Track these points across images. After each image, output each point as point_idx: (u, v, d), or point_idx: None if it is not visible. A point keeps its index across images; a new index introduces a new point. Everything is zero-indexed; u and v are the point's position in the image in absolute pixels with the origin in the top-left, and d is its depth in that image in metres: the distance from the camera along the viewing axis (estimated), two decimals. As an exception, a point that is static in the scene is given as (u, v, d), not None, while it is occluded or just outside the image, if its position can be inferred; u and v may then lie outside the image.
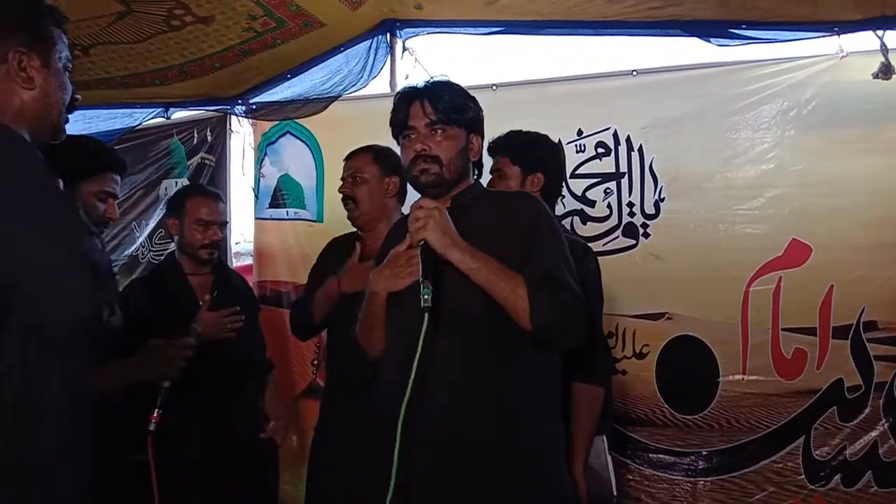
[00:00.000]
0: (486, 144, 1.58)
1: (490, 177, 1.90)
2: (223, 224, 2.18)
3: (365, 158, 2.11)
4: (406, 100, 1.46)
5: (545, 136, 1.97)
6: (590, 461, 1.70)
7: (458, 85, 1.50)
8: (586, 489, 1.65)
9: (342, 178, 2.14)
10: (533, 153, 1.90)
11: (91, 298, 1.06)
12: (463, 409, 1.31)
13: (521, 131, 1.94)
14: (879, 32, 2.16)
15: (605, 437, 1.79)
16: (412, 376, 1.26)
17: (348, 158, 2.16)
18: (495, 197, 1.56)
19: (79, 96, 1.25)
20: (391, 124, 1.50)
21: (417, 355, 1.27)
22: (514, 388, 1.35)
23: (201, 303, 1.99)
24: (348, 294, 1.99)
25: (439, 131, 1.42)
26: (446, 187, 1.44)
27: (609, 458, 1.80)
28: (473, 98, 1.50)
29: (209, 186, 2.56)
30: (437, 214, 1.33)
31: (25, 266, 1.02)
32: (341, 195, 2.12)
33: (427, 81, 1.49)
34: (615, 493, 1.82)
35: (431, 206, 1.35)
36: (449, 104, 1.43)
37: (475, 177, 1.53)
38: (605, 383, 1.76)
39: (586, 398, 1.68)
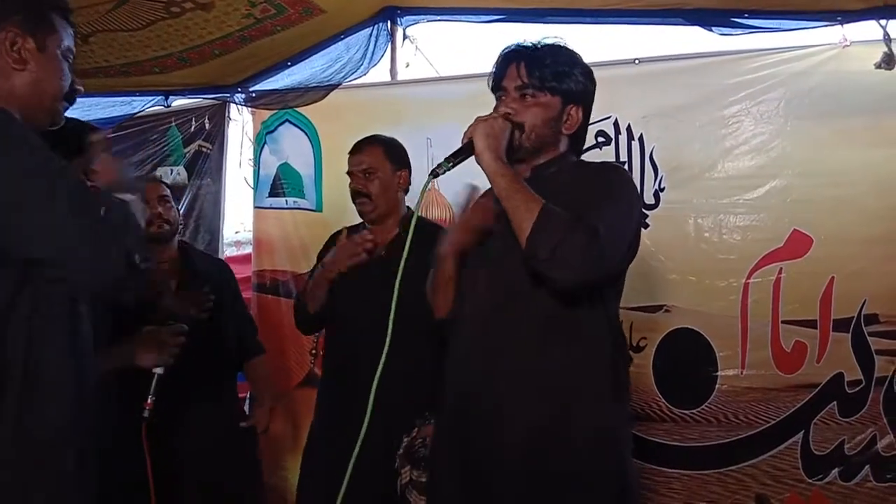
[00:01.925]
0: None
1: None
2: (162, 197, 2.26)
3: (376, 152, 2.12)
4: (506, 59, 1.46)
5: None
6: None
7: (569, 50, 1.46)
8: None
9: (351, 173, 2.13)
10: None
11: (107, 253, 1.09)
12: (517, 395, 1.36)
13: None
14: (882, 22, 2.19)
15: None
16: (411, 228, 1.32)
17: (356, 152, 2.15)
18: (580, 169, 1.50)
19: (80, 87, 1.29)
20: (489, 82, 1.50)
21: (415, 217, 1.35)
22: (574, 368, 1.37)
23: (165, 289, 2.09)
24: (345, 286, 2.05)
25: (529, 97, 1.42)
26: (524, 153, 1.43)
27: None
28: (583, 67, 1.46)
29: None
30: (497, 122, 1.37)
31: (26, 233, 1.06)
32: (353, 190, 2.12)
33: (536, 43, 1.46)
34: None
35: (496, 115, 1.39)
36: (547, 70, 1.41)
37: (571, 149, 1.51)
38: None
39: None
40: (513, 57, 1.45)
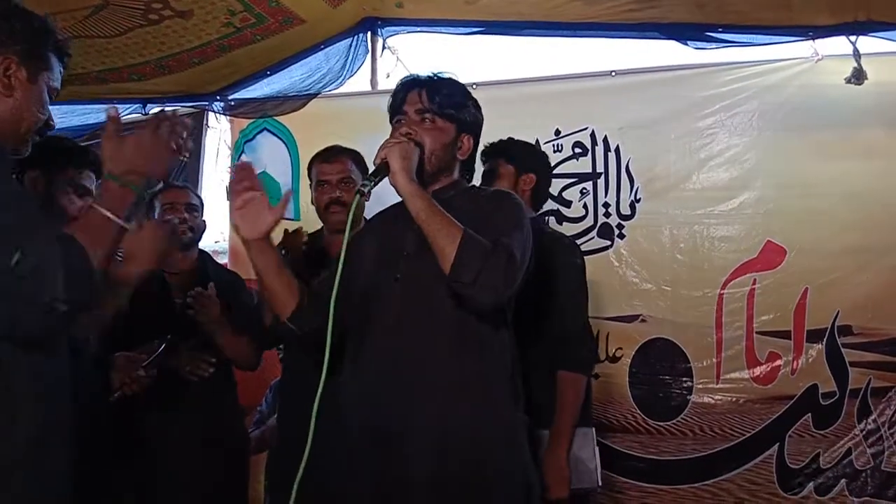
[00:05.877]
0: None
1: (480, 181, 2.01)
2: (189, 205, 2.30)
3: (348, 163, 2.18)
4: (405, 87, 1.57)
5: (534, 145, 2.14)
6: (577, 451, 1.82)
7: (462, 85, 1.59)
8: (570, 478, 1.77)
9: (326, 182, 2.16)
10: (526, 154, 2.10)
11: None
12: (434, 400, 1.42)
13: (512, 138, 2.12)
14: (852, 38, 2.28)
15: (594, 429, 1.92)
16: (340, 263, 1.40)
17: (326, 161, 2.20)
18: (475, 194, 1.63)
19: (52, 123, 1.36)
20: (388, 109, 1.61)
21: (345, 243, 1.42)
22: (482, 379, 1.45)
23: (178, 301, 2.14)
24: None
25: (428, 120, 1.52)
26: (425, 176, 1.51)
27: (597, 449, 1.91)
28: (475, 101, 1.60)
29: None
30: (410, 146, 1.45)
31: None
32: (330, 199, 2.14)
33: (431, 74, 1.58)
34: (600, 484, 1.93)
35: (404, 139, 1.47)
36: (446, 98, 1.53)
37: (462, 176, 1.62)
38: (588, 372, 1.88)
39: (570, 385, 1.81)
40: (413, 84, 1.57)
